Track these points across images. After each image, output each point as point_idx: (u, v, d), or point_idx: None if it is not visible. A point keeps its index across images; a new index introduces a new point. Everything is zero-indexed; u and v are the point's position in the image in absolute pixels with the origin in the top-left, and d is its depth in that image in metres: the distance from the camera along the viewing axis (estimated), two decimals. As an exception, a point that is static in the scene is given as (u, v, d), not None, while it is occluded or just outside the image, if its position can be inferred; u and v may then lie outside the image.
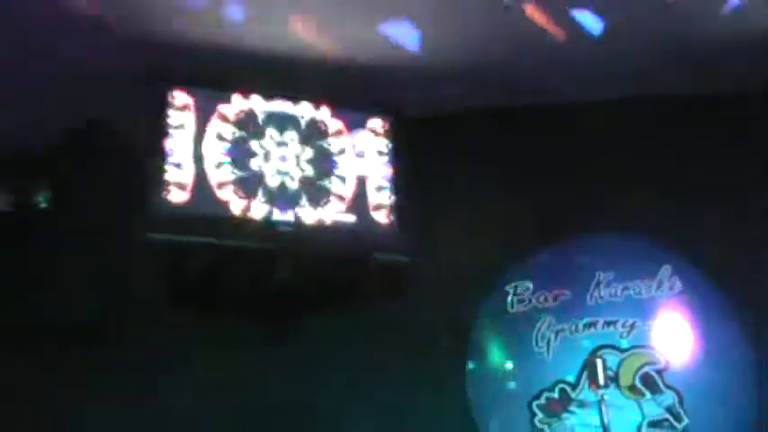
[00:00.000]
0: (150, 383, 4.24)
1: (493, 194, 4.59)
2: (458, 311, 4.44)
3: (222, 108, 4.28)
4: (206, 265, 4.17)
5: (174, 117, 4.18)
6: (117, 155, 4.40)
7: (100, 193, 4.38)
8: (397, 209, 4.35)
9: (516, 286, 4.43)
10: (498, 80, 4.49)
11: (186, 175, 4.13)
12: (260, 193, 4.21)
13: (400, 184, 4.40)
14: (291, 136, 4.32)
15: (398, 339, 4.37)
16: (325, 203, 4.28)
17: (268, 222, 4.17)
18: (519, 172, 4.65)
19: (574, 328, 4.32)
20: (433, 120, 4.61)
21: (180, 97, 4.21)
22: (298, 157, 4.30)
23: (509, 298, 4.44)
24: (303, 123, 4.35)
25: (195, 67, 4.24)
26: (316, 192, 4.28)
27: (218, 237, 4.09)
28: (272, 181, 4.24)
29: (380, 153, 4.44)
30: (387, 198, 4.37)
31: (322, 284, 4.30)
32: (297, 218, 4.21)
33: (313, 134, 4.35)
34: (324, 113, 4.40)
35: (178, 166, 4.13)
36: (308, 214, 4.24)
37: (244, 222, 4.15)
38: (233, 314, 4.30)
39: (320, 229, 4.23)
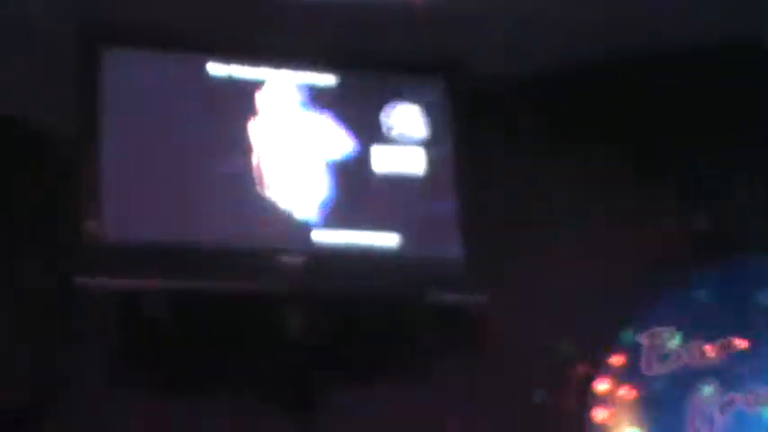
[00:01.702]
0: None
1: (598, 194, 3.56)
2: (557, 375, 3.41)
3: (196, 79, 3.24)
4: (174, 319, 3.19)
5: (120, 94, 3.15)
6: (37, 155, 3.41)
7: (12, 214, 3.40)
8: (460, 221, 3.36)
9: (653, 336, 3.36)
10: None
11: (141, 186, 3.12)
12: (257, 209, 3.22)
13: (464, 181, 3.37)
14: (302, 118, 3.30)
15: (471, 414, 3.36)
16: (357, 220, 3.27)
17: (270, 252, 3.20)
18: (636, 160, 3.58)
19: (753, 398, 3.28)
20: (510, 83, 3.58)
21: (131, 63, 3.18)
22: (314, 149, 3.29)
23: (643, 354, 3.34)
24: (320, 99, 3.34)
25: (151, 20, 3.25)
26: (342, 203, 3.28)
27: (191, 278, 3.11)
28: (276, 190, 3.23)
29: (434, 136, 3.42)
30: (445, 205, 3.36)
31: (353, 338, 3.35)
32: (314, 244, 3.23)
33: (336, 114, 3.35)
34: (351, 81, 3.38)
35: (128, 171, 3.11)
36: (331, 237, 3.24)
37: (232, 254, 3.17)
38: (219, 386, 3.33)
39: (348, 258, 3.25)
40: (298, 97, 3.21)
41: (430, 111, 3.38)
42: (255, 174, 3.17)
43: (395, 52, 3.40)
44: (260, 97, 3.19)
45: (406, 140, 3.34)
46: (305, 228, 3.20)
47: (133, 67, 3.12)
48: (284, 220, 3.19)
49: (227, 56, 3.21)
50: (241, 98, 3.20)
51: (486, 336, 3.38)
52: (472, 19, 3.34)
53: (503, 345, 3.34)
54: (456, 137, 3.41)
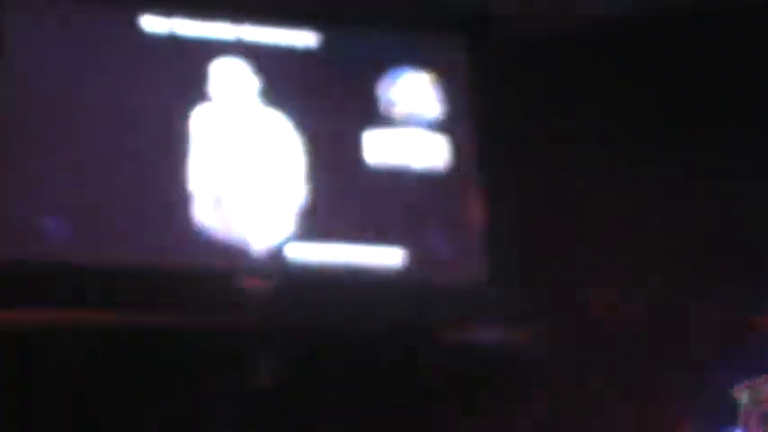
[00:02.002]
0: None
1: (673, 188, 2.87)
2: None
3: (127, 38, 2.62)
4: (95, 362, 2.56)
5: (26, 60, 2.53)
6: None
7: None
8: (486, 231, 2.73)
9: (754, 390, 2.66)
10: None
11: (54, 188, 2.49)
12: (212, 218, 2.59)
13: (491, 176, 2.75)
14: (271, 92, 2.64)
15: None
16: (345, 231, 2.64)
17: (230, 274, 2.58)
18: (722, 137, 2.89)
19: None
20: (551, 43, 2.96)
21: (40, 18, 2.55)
22: (287, 136, 2.66)
23: (742, 402, 2.67)
24: (297, 65, 2.71)
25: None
26: (325, 207, 2.64)
27: (122, 309, 2.49)
28: (236, 192, 2.60)
29: (451, 115, 2.76)
30: (466, 210, 2.76)
31: (339, 387, 2.73)
32: (287, 263, 2.60)
33: (317, 85, 2.70)
34: (339, 40, 2.77)
35: (37, 166, 2.48)
36: (310, 254, 2.61)
37: (180, 276, 2.59)
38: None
39: (333, 281, 2.61)
40: (266, 64, 2.55)
41: (446, 80, 2.71)
42: (208, 170, 2.53)
43: (398, 2, 2.75)
44: (214, 65, 2.53)
45: (411, 121, 2.67)
46: (275, 241, 2.56)
47: (43, 24, 2.49)
48: (248, 231, 2.55)
49: (169, 6, 2.55)
50: (188, 66, 2.54)
51: (522, 385, 2.66)
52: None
53: (546, 397, 2.60)
54: (481, 116, 2.72)
